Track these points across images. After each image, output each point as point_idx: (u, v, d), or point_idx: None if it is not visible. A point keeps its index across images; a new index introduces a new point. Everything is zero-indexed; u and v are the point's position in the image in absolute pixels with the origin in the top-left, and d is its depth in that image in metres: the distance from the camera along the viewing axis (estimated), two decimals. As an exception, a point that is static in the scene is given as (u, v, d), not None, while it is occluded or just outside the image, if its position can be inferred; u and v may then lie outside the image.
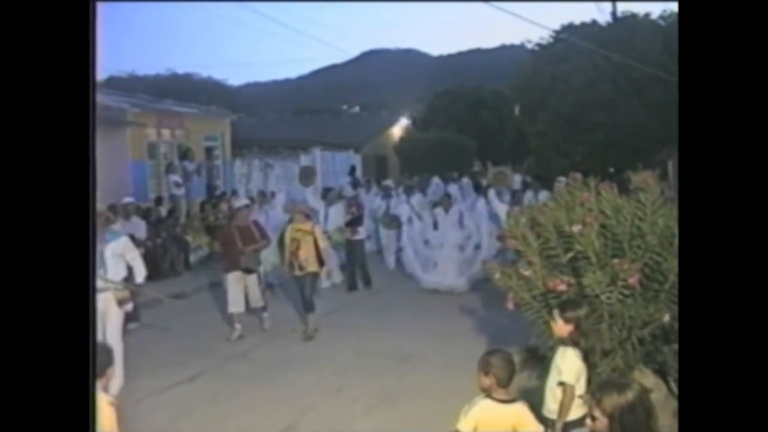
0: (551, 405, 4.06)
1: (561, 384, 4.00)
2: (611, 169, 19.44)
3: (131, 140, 15.41)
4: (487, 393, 3.63)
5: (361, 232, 11.87)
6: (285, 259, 8.97)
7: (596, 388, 3.08)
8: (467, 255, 11.36)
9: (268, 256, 9.26)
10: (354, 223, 11.67)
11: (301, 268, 8.62)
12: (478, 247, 11.45)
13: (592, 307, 4.77)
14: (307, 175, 13.30)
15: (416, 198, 14.56)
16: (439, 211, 12.01)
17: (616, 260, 4.74)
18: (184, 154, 16.77)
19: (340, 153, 25.61)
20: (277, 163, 20.21)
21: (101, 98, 15.44)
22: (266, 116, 44.59)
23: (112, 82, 33.97)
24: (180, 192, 15.76)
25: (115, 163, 13.98)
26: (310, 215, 9.24)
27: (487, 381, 3.63)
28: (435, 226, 11.96)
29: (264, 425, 5.91)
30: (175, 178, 15.97)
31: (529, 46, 29.84)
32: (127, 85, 33.99)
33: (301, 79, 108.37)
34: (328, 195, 12.72)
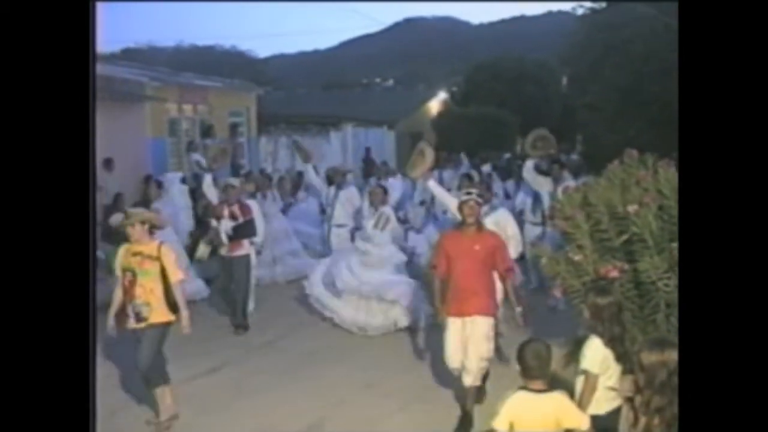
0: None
1: (583, 372, 3.98)
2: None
3: (150, 116, 15.51)
4: (522, 384, 3.68)
5: (245, 246, 8.66)
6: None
7: (643, 341, 3.53)
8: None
9: None
10: (239, 232, 8.58)
11: (138, 317, 5.68)
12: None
13: (648, 296, 4.71)
14: (215, 157, 9.60)
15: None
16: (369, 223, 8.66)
17: (675, 245, 4.64)
18: (206, 132, 16.83)
19: (373, 130, 25.58)
20: (306, 141, 20.18)
21: (117, 71, 15.60)
22: (294, 90, 44.84)
23: (129, 54, 34.32)
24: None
25: (133, 140, 14.11)
26: (159, 225, 6.11)
27: (521, 371, 3.70)
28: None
29: (291, 420, 5.93)
30: (197, 157, 16.08)
31: (580, 11, 29.35)
32: (146, 57, 34.32)
33: (331, 51, 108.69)
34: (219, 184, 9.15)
